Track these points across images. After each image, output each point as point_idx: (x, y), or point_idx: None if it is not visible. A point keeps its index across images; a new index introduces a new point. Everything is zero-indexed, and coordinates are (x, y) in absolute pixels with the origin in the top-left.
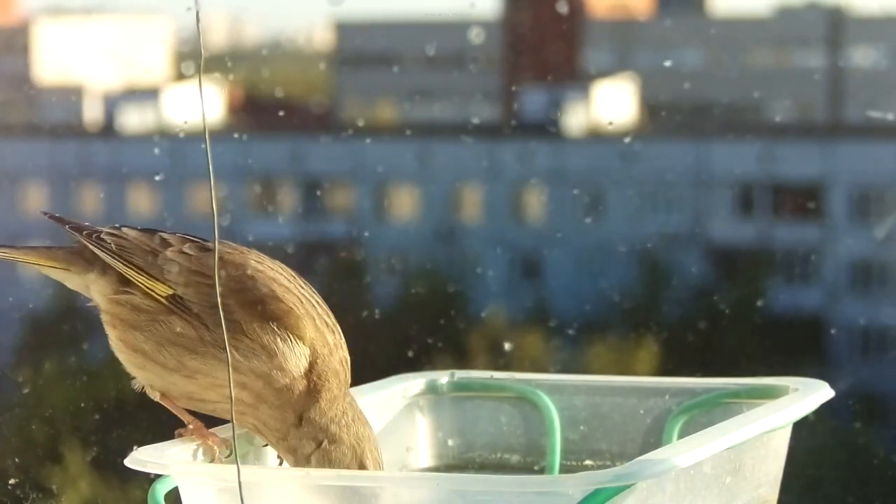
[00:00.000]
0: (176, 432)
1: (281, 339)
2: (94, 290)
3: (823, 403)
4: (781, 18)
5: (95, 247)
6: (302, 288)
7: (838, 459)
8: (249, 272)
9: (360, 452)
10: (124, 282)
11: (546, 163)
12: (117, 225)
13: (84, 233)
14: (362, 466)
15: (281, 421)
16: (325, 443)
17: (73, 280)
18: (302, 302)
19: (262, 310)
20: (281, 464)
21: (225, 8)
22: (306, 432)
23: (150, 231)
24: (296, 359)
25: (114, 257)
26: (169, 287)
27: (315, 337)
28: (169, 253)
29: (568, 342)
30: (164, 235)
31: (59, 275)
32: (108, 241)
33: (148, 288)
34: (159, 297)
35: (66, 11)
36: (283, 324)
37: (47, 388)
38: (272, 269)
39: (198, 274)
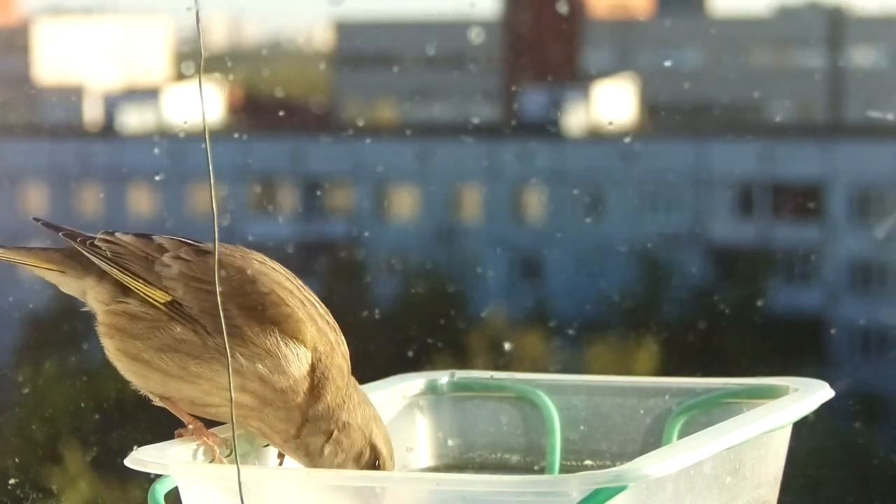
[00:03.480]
0: (176, 432)
1: (283, 342)
2: (90, 296)
3: (823, 403)
4: (781, 18)
5: (91, 254)
6: (302, 289)
7: (838, 459)
8: (250, 274)
9: (368, 433)
10: (121, 289)
11: (546, 163)
12: (111, 231)
13: (78, 240)
14: (373, 446)
15: (287, 422)
16: (336, 432)
17: (70, 284)
18: (304, 304)
19: (262, 314)
20: (281, 463)
21: (225, 8)
22: (315, 427)
23: (144, 236)
24: (298, 362)
25: (110, 264)
26: (167, 293)
27: (317, 337)
28: (165, 258)
29: (568, 342)
30: (160, 240)
31: (54, 278)
32: (103, 247)
33: (146, 295)
34: (158, 304)
35: (66, 11)
36: (284, 327)
37: (47, 388)
38: (274, 270)
39: (196, 280)
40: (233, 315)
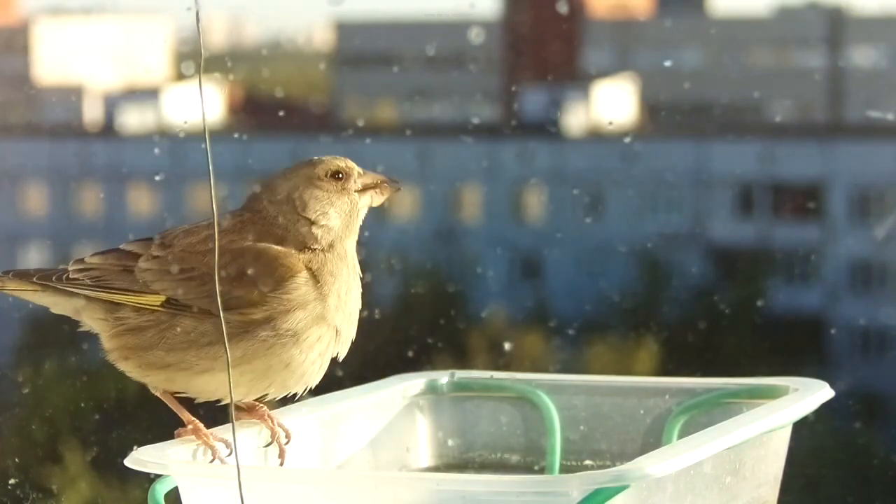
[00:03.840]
0: (175, 432)
1: (283, 292)
2: (85, 315)
3: (823, 403)
4: (781, 18)
5: (72, 288)
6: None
7: (838, 459)
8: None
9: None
10: (112, 303)
11: (546, 163)
12: (80, 258)
13: (54, 278)
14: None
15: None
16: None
17: (61, 306)
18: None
19: (258, 273)
20: (282, 464)
21: (225, 8)
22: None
23: (113, 250)
24: (300, 295)
25: (95, 290)
26: (158, 294)
27: (302, 257)
28: (141, 264)
29: (568, 342)
30: (128, 248)
31: (45, 301)
32: (80, 277)
33: (140, 305)
34: (155, 308)
35: (66, 11)
36: (277, 272)
37: (47, 388)
38: (224, 233)
39: (180, 271)
40: (230, 289)
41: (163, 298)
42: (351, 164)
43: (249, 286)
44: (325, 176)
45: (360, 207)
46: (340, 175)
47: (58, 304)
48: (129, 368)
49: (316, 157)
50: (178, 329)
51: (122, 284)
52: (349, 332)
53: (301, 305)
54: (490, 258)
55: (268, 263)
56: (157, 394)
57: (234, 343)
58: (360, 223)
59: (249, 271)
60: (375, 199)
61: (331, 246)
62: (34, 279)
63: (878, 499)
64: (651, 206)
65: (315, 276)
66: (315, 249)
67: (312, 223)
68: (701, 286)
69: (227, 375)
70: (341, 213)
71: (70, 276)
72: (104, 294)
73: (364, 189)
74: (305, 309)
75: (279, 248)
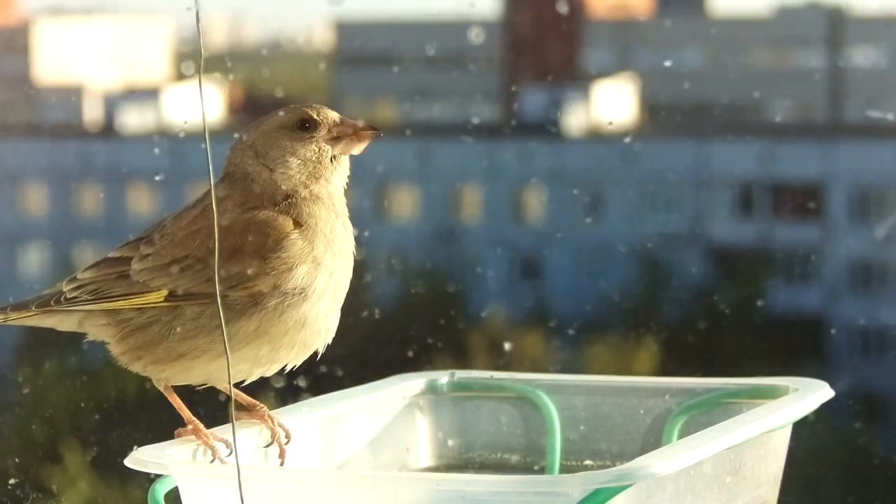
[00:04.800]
0: (175, 432)
1: (282, 252)
2: (88, 325)
3: (823, 403)
4: (781, 18)
5: (72, 307)
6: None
7: (838, 459)
8: (206, 227)
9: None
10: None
11: (546, 163)
12: (73, 276)
13: (52, 302)
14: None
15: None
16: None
17: (66, 323)
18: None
19: (251, 243)
20: (282, 464)
21: (225, 8)
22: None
23: (102, 261)
24: (298, 250)
25: (96, 302)
26: (160, 291)
27: (282, 211)
28: (136, 266)
29: (568, 342)
30: (116, 254)
31: (48, 323)
32: (77, 294)
33: (145, 304)
34: (159, 304)
35: (66, 11)
36: (270, 237)
37: (47, 388)
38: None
39: (175, 262)
40: (229, 267)
41: (165, 293)
42: (326, 112)
43: (247, 259)
44: (291, 125)
45: (328, 154)
46: (308, 124)
47: (62, 323)
48: (142, 368)
49: (292, 105)
50: (185, 318)
51: (121, 290)
52: (343, 276)
53: (301, 260)
54: (490, 258)
55: (258, 231)
56: (161, 388)
57: (246, 319)
58: (340, 171)
59: (244, 244)
60: (351, 147)
61: (298, 191)
62: (33, 307)
63: (878, 499)
64: (651, 206)
65: (298, 223)
66: (290, 198)
67: (271, 171)
68: (701, 286)
69: (243, 353)
70: (305, 161)
71: (67, 297)
72: (106, 304)
73: (338, 137)
74: (305, 261)
75: (263, 214)
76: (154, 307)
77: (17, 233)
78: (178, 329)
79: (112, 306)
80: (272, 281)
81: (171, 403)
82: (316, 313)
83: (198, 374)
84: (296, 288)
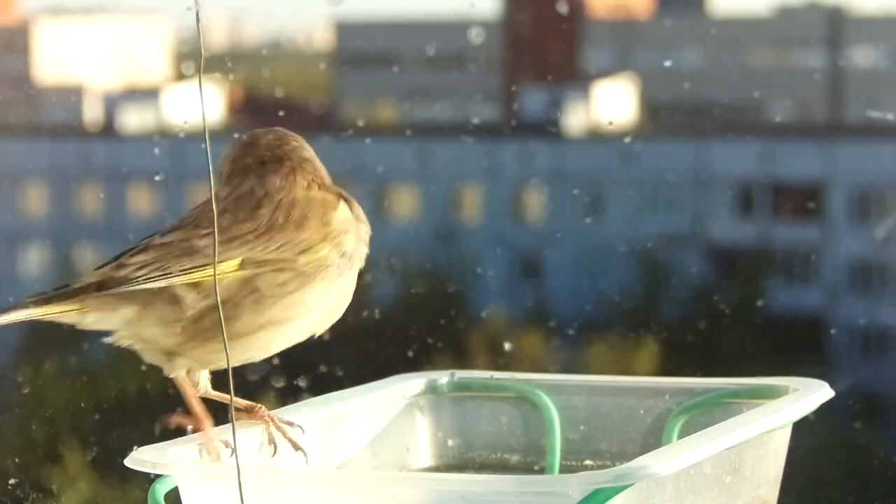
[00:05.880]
0: (172, 418)
1: (337, 213)
2: (143, 325)
3: (823, 403)
4: (781, 18)
5: (134, 286)
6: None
7: (838, 459)
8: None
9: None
10: (171, 298)
11: (546, 163)
12: (118, 261)
13: (105, 285)
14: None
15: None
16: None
17: (104, 322)
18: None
19: (315, 213)
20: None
21: (225, 8)
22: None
23: (149, 248)
24: (347, 212)
25: (165, 278)
26: (234, 258)
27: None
28: (201, 242)
29: (568, 342)
30: (163, 241)
31: (76, 319)
32: (138, 274)
33: (223, 274)
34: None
35: (66, 11)
36: (328, 207)
37: (47, 388)
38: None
39: (248, 235)
40: (296, 235)
41: (238, 261)
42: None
43: (312, 226)
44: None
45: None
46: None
47: (100, 322)
48: (206, 353)
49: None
50: (260, 287)
51: (190, 264)
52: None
53: (351, 227)
54: (490, 258)
55: (318, 204)
56: (179, 378)
57: (311, 288)
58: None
59: (308, 214)
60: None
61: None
62: (77, 298)
63: (878, 499)
64: (651, 206)
65: (345, 199)
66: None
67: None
68: (701, 286)
69: (312, 315)
70: None
71: (125, 277)
72: (176, 279)
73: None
74: (350, 230)
75: (321, 192)
76: (227, 282)
77: (17, 233)
78: (268, 297)
79: (184, 280)
80: (334, 244)
81: (183, 397)
82: (353, 282)
83: (280, 342)
84: (346, 252)
